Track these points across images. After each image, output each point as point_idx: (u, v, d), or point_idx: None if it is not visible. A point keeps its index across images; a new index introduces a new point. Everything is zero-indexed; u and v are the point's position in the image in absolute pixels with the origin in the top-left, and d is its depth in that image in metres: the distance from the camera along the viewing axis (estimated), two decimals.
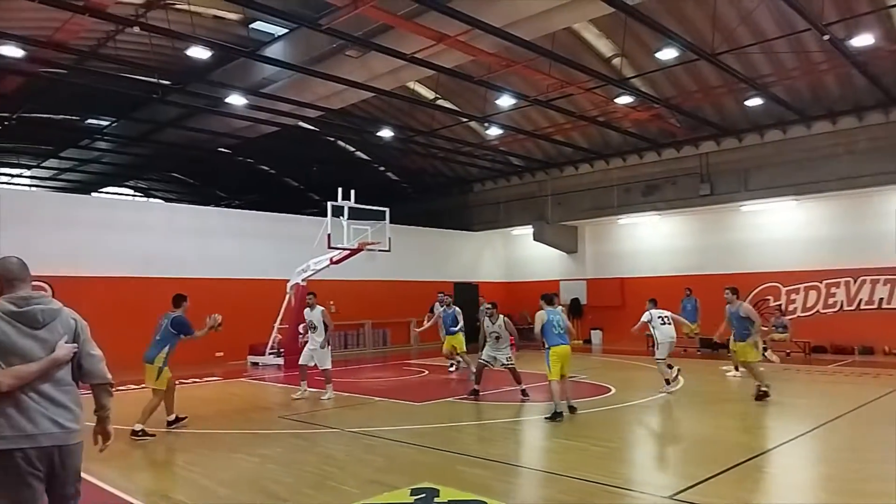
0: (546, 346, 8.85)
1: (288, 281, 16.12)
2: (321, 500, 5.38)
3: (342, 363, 16.97)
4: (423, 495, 5.39)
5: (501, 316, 10.81)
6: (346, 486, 5.73)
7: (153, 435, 7.88)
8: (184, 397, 11.42)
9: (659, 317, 11.37)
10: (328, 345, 11.04)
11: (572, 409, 8.95)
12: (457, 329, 13.49)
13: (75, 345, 3.22)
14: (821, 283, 17.92)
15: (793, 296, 18.40)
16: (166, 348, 8.13)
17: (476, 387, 10.71)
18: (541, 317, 8.95)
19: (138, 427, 7.80)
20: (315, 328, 10.97)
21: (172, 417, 8.44)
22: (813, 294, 18.09)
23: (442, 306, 14.17)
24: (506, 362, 10.69)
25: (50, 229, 14.77)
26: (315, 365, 11.00)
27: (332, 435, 8.21)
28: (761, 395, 9.81)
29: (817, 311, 17.99)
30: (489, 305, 11.10)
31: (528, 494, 5.84)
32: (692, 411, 10.00)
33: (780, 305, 18.10)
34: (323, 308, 11.10)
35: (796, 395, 11.38)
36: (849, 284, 17.49)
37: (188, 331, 8.15)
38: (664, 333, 11.20)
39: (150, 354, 8.11)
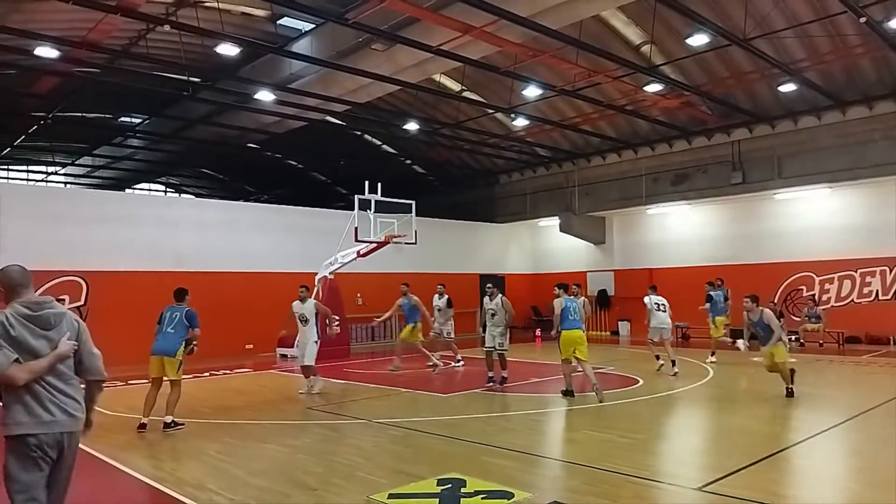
0: (559, 330, 9.67)
1: (316, 274, 16.27)
2: (350, 490, 5.46)
3: (369, 354, 17.14)
4: (450, 486, 5.43)
5: (500, 295, 11.24)
6: (373, 476, 5.81)
7: (183, 424, 8.07)
8: (215, 388, 11.70)
9: (655, 303, 12.53)
10: (317, 342, 10.69)
11: (599, 399, 9.08)
12: (411, 321, 13.01)
13: (75, 342, 3.58)
14: (855, 272, 17.52)
15: (826, 285, 18.02)
16: (183, 341, 8.24)
17: (491, 374, 11.02)
18: (560, 303, 9.78)
19: (168, 419, 7.99)
20: (307, 321, 10.67)
21: (147, 421, 8.00)
22: (847, 283, 17.70)
23: (403, 297, 13.27)
24: (498, 348, 11.09)
25: (84, 225, 15.13)
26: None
27: (360, 426, 8.30)
28: (790, 393, 9.48)
29: (852, 301, 17.60)
30: (490, 285, 11.64)
31: (555, 485, 5.84)
32: (721, 403, 9.89)
33: (813, 295, 17.75)
34: (315, 301, 10.91)
35: (829, 386, 11.20)
36: (884, 273, 17.06)
37: (197, 324, 8.29)
38: (657, 319, 12.43)
39: (171, 348, 8.15)
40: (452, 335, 13.90)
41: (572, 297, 10.40)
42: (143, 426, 7.96)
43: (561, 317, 9.62)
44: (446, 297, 14.00)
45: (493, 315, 11.20)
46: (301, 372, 11.01)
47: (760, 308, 9.85)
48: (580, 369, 9.88)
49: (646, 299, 12.66)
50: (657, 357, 12.51)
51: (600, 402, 9.05)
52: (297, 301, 10.84)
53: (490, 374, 11.12)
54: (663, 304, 12.53)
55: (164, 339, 8.22)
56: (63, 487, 3.54)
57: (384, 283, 19.65)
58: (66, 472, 3.54)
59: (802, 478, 5.99)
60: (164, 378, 8.19)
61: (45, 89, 17.48)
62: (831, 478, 6.04)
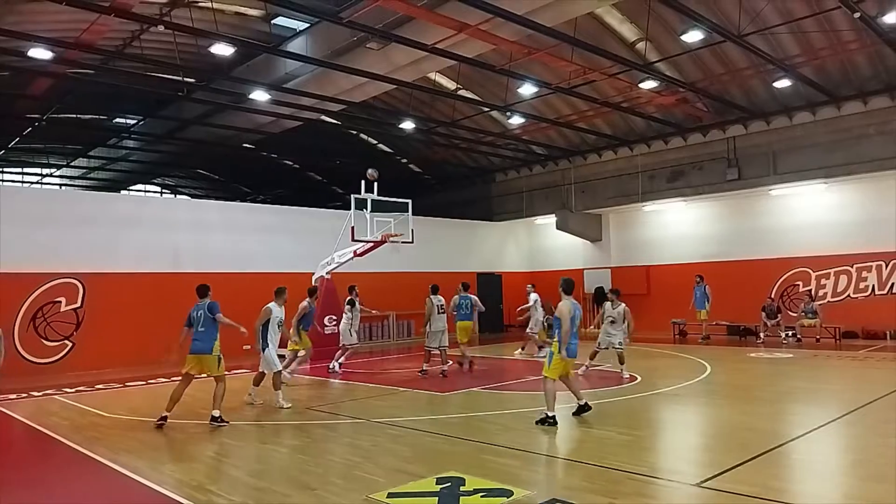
0: (456, 320, 13.09)
1: (313, 274, 16.26)
2: (349, 490, 5.46)
3: (367, 354, 17.12)
4: (449, 484, 5.44)
5: (429, 297, 12.78)
6: (373, 476, 5.80)
7: (227, 422, 8.24)
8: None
9: (437, 304, 12.96)
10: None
11: (470, 364, 13.07)
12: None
13: None
14: (851, 267, 17.56)
15: (823, 281, 18.06)
16: (217, 336, 8.39)
17: (445, 367, 12.69)
18: (455, 300, 13.12)
19: (216, 413, 8.23)
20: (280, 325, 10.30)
21: (168, 414, 8.20)
22: (843, 278, 17.73)
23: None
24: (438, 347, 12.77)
25: (81, 227, 15.08)
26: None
27: (359, 425, 8.30)
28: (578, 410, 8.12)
29: (848, 296, 17.65)
30: (432, 286, 12.97)
31: (554, 483, 5.85)
32: (719, 399, 9.91)
33: (809, 291, 17.79)
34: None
35: (826, 382, 11.23)
36: (880, 268, 17.11)
37: (217, 310, 8.43)
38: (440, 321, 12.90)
39: (206, 346, 8.29)
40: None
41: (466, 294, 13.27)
42: (163, 419, 8.15)
43: (456, 310, 13.06)
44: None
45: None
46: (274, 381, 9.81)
47: (568, 300, 7.95)
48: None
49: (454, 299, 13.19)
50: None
51: (470, 363, 13.03)
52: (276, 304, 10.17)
53: (444, 367, 12.69)
54: (442, 307, 12.82)
55: (198, 340, 8.36)
56: None
57: (382, 283, 19.70)
58: None
59: (801, 473, 6.01)
60: (202, 375, 8.46)
61: (39, 91, 17.40)
62: (829, 472, 6.06)
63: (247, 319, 16.62)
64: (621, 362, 11.72)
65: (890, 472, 5.67)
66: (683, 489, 5.33)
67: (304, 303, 11.85)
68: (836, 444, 7.13)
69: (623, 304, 11.91)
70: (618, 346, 11.74)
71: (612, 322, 11.88)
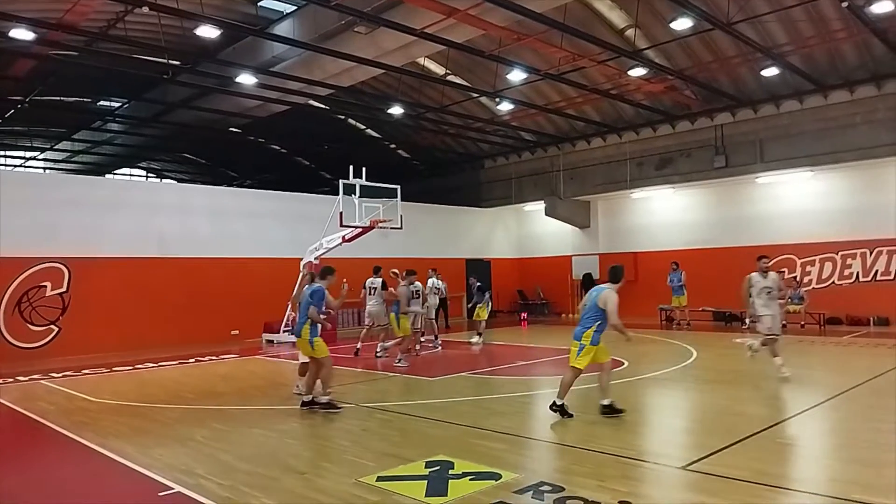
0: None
1: (301, 259, 16.20)
2: (338, 473, 5.47)
3: (355, 340, 17.09)
4: (438, 467, 5.47)
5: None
6: (362, 460, 5.82)
7: (340, 408, 7.97)
8: (202, 374, 11.65)
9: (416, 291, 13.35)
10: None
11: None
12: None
13: None
14: (836, 254, 17.77)
15: (808, 268, 18.27)
16: (307, 319, 8.11)
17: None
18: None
19: (325, 399, 7.98)
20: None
21: (310, 398, 8.17)
22: (828, 265, 17.95)
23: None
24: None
25: (65, 211, 14.92)
26: None
27: (348, 410, 8.30)
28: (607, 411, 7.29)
29: (833, 283, 17.86)
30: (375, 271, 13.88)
31: (542, 466, 5.90)
32: (705, 384, 10.02)
33: (795, 277, 17.99)
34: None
35: (811, 367, 11.38)
36: (865, 256, 17.32)
37: (316, 302, 8.08)
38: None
39: (297, 329, 8.21)
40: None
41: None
42: (304, 403, 8.12)
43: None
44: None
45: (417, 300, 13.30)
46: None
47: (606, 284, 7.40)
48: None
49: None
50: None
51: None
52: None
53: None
54: (418, 292, 13.24)
55: (297, 321, 8.26)
56: None
57: (370, 269, 19.65)
58: None
59: (785, 456, 6.09)
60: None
61: (22, 72, 17.13)
62: (813, 456, 6.16)
63: (232, 303, 16.66)
64: (774, 355, 9.43)
65: (873, 455, 5.77)
66: (670, 472, 5.40)
67: (403, 285, 12.47)
68: (820, 428, 7.24)
69: (774, 273, 9.64)
70: (775, 333, 9.45)
71: (769, 292, 9.41)
